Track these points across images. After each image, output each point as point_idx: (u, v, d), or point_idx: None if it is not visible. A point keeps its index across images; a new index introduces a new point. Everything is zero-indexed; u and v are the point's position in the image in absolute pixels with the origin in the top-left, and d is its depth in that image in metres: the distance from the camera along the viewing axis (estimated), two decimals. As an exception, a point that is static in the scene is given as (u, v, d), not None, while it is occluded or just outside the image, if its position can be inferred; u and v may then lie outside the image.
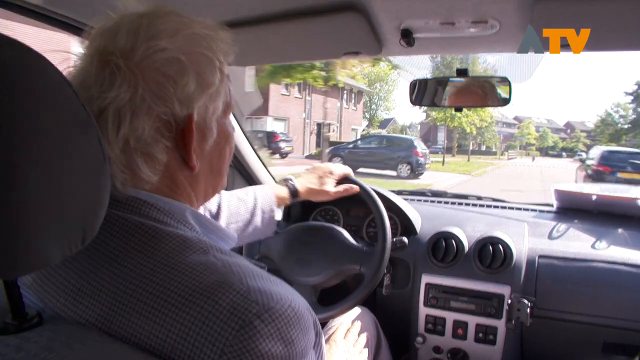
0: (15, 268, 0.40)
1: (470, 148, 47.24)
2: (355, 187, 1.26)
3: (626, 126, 44.39)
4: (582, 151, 53.18)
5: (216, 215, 1.07)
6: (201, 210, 1.00)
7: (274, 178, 1.82)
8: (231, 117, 0.70)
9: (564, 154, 56.53)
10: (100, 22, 0.58)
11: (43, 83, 0.40)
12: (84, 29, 0.96)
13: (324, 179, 1.26)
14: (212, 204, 1.08)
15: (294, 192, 1.23)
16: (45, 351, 0.42)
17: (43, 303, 0.54)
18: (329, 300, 1.22)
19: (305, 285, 1.25)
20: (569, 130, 66.25)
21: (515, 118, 65.55)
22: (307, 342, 0.50)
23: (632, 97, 41.00)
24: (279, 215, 1.37)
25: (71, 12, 0.93)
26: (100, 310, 0.49)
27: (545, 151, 58.49)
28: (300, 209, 1.61)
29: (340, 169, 1.30)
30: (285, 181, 1.24)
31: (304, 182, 1.25)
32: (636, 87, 40.46)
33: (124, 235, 0.53)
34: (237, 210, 1.10)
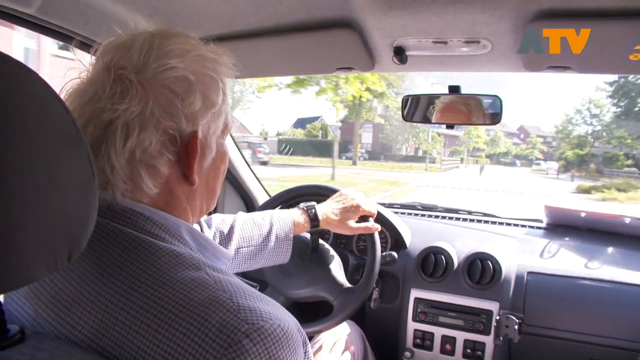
0: None
1: (404, 153, 38.96)
2: (377, 227, 1.20)
3: (598, 127, 35.84)
4: (539, 159, 46.64)
5: (228, 237, 1.05)
6: (208, 232, 1.01)
7: (265, 189, 1.82)
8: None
9: (517, 161, 50.31)
10: (98, 34, 0.60)
11: (31, 98, 0.40)
12: (75, 37, 0.97)
13: (349, 213, 1.17)
14: (224, 225, 1.07)
15: (314, 221, 1.14)
16: None
17: (36, 313, 0.53)
18: (302, 314, 1.21)
19: (280, 294, 1.24)
20: (522, 135, 58.36)
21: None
22: None
23: (610, 92, 33.24)
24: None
25: (64, 21, 0.93)
26: (92, 322, 0.49)
27: (496, 158, 51.05)
28: None
29: (369, 205, 1.21)
30: (306, 208, 1.16)
31: (327, 212, 1.16)
32: (617, 76, 30.56)
33: (117, 247, 0.53)
34: (250, 234, 1.07)
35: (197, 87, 0.58)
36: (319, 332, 1.16)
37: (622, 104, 32.52)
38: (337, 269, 1.23)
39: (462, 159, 43.00)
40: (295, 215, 1.14)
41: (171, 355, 0.45)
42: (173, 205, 0.61)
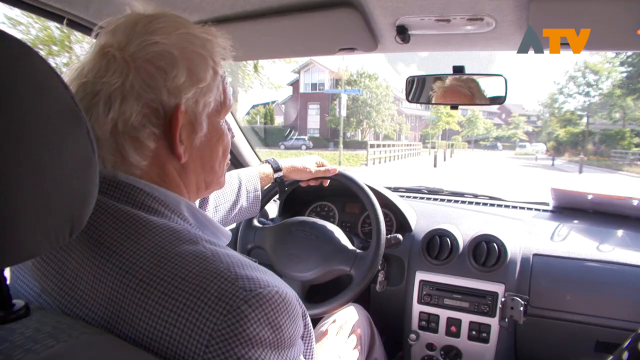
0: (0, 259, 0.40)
1: (360, 139, 31.18)
2: (334, 168, 1.29)
3: (596, 98, 27.92)
4: (524, 141, 42.41)
5: (205, 197, 1.09)
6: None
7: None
8: (227, 118, 0.71)
9: (499, 144, 45.74)
10: (100, 17, 0.63)
11: (30, 74, 0.40)
12: (81, 23, 0.97)
13: (307, 159, 1.30)
14: None
15: (276, 168, 1.26)
16: (31, 342, 0.42)
17: (42, 289, 0.55)
18: (318, 297, 1.22)
19: (294, 280, 1.25)
20: (504, 115, 52.80)
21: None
22: (296, 331, 0.51)
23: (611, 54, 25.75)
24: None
25: (65, 4, 0.92)
26: (97, 297, 0.50)
27: (475, 141, 45.94)
28: (296, 203, 1.61)
29: (326, 161, 1.33)
30: (269, 160, 1.28)
31: (287, 161, 1.29)
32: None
33: (115, 223, 0.54)
34: (222, 191, 1.13)
35: (181, 61, 0.58)
36: (347, 302, 1.19)
37: (633, 61, 25.26)
38: (344, 239, 1.25)
39: (427, 144, 35.62)
40: (260, 168, 1.26)
41: (174, 325, 0.46)
42: (167, 181, 0.61)
